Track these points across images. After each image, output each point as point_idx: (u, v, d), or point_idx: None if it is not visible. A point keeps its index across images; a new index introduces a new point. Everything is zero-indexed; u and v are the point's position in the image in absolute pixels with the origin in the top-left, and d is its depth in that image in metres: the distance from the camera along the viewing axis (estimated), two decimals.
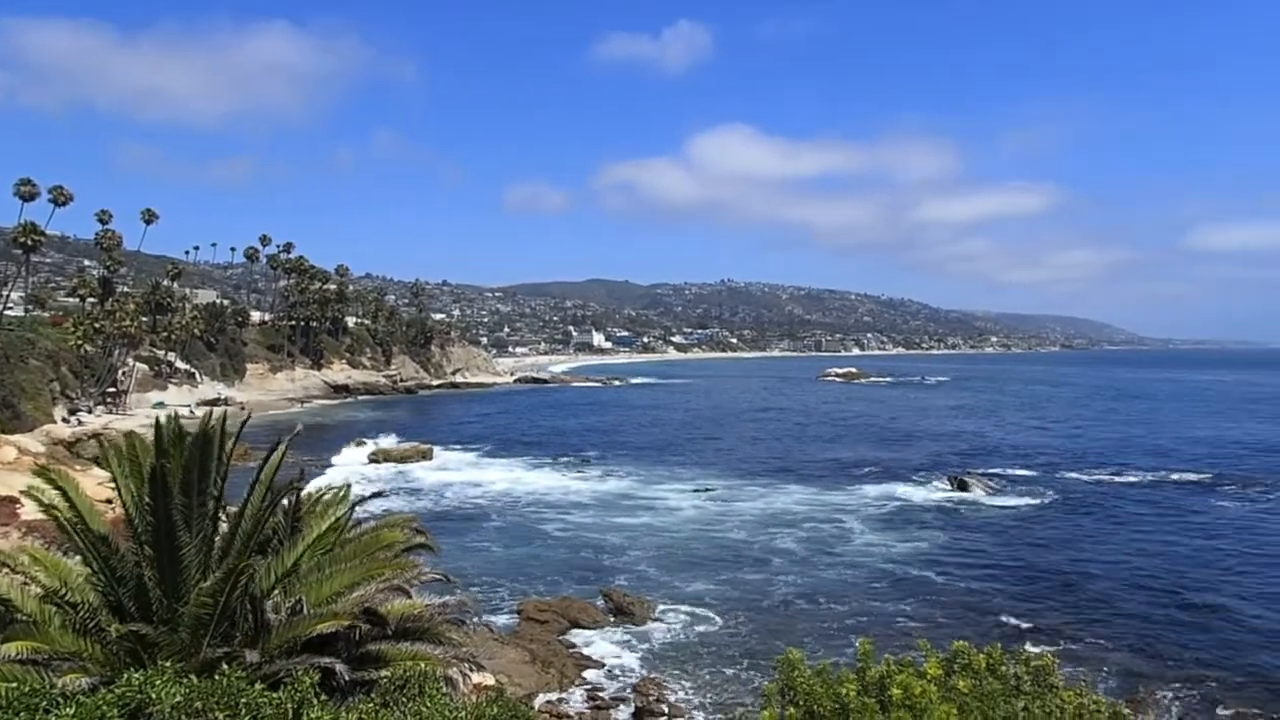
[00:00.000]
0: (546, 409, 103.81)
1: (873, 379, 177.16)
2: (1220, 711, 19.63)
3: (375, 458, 57.23)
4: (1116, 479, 51.12)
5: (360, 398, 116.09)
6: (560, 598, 26.93)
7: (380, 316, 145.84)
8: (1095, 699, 8.96)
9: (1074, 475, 52.29)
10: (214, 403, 78.99)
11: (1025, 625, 25.28)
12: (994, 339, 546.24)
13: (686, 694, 20.74)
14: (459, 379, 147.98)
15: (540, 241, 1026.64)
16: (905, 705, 7.62)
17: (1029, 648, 9.78)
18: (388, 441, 61.88)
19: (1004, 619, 25.87)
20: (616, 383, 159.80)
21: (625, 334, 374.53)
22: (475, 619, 15.23)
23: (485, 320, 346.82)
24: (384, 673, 9.03)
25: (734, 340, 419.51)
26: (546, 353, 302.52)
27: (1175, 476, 51.68)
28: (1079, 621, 25.72)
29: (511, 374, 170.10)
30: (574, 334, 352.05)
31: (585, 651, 23.49)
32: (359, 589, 10.25)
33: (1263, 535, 36.92)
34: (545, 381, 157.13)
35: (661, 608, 27.03)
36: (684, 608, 27.13)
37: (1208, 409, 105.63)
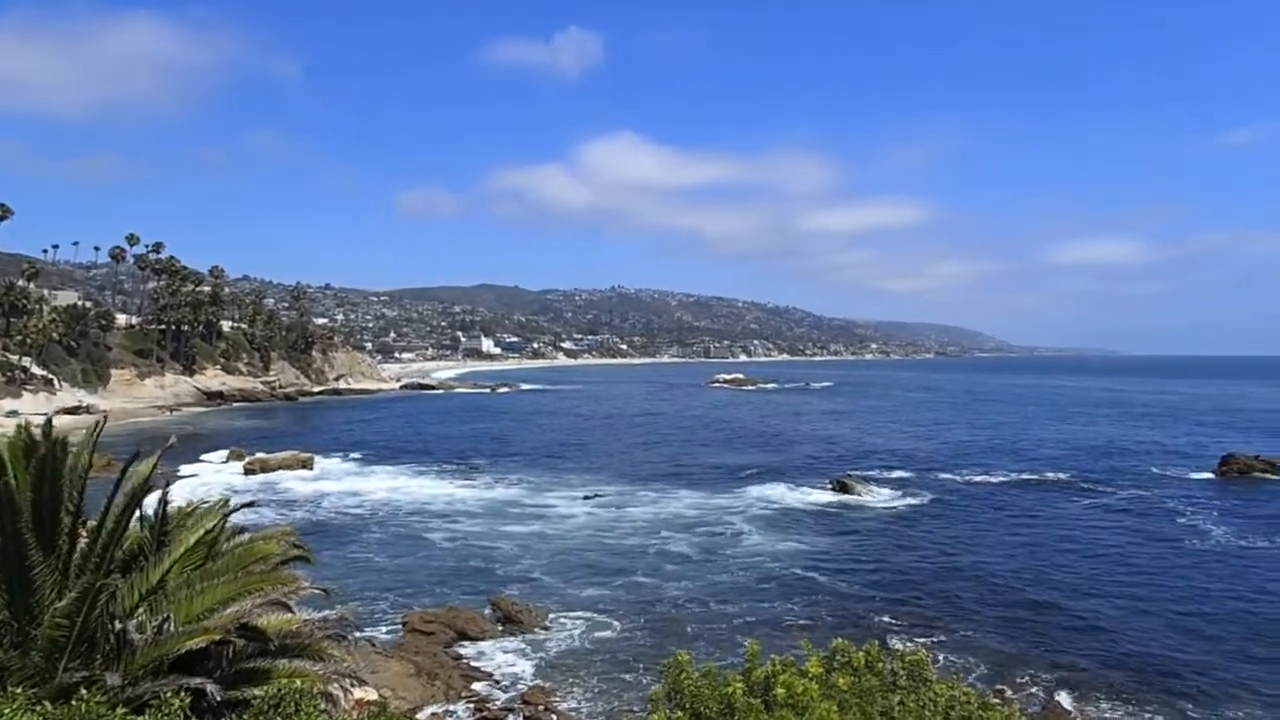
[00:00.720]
0: (433, 416, 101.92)
1: (759, 385, 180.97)
2: (1077, 694, 20.78)
3: (251, 467, 54.92)
4: (985, 479, 53.69)
5: (236, 405, 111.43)
6: (447, 608, 26.39)
7: (258, 320, 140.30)
8: (965, 690, 9.35)
9: (947, 476, 54.67)
10: (74, 411, 74.42)
11: (902, 622, 26.21)
12: (874, 345, 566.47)
13: (577, 701, 20.65)
14: (342, 385, 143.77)
15: (429, 246, 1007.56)
16: (789, 704, 7.78)
17: (905, 644, 10.13)
18: (265, 450, 59.49)
19: (883, 616, 26.77)
20: (505, 389, 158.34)
21: (515, 340, 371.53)
22: (357, 633, 14.76)
23: (370, 325, 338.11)
24: (257, 691, 8.64)
25: (624, 346, 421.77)
26: (434, 358, 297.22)
27: (1036, 477, 54.61)
28: (951, 616, 26.83)
29: (397, 380, 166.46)
30: (463, 339, 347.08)
31: (473, 662, 23.10)
32: (233, 605, 9.80)
33: (1111, 531, 39.37)
34: (432, 388, 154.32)
35: (553, 615, 26.85)
36: (577, 614, 27.02)
37: (1067, 413, 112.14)
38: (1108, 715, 19.82)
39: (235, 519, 11.49)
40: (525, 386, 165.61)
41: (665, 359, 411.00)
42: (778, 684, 7.91)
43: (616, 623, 26.26)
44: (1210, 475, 54.64)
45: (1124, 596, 29.11)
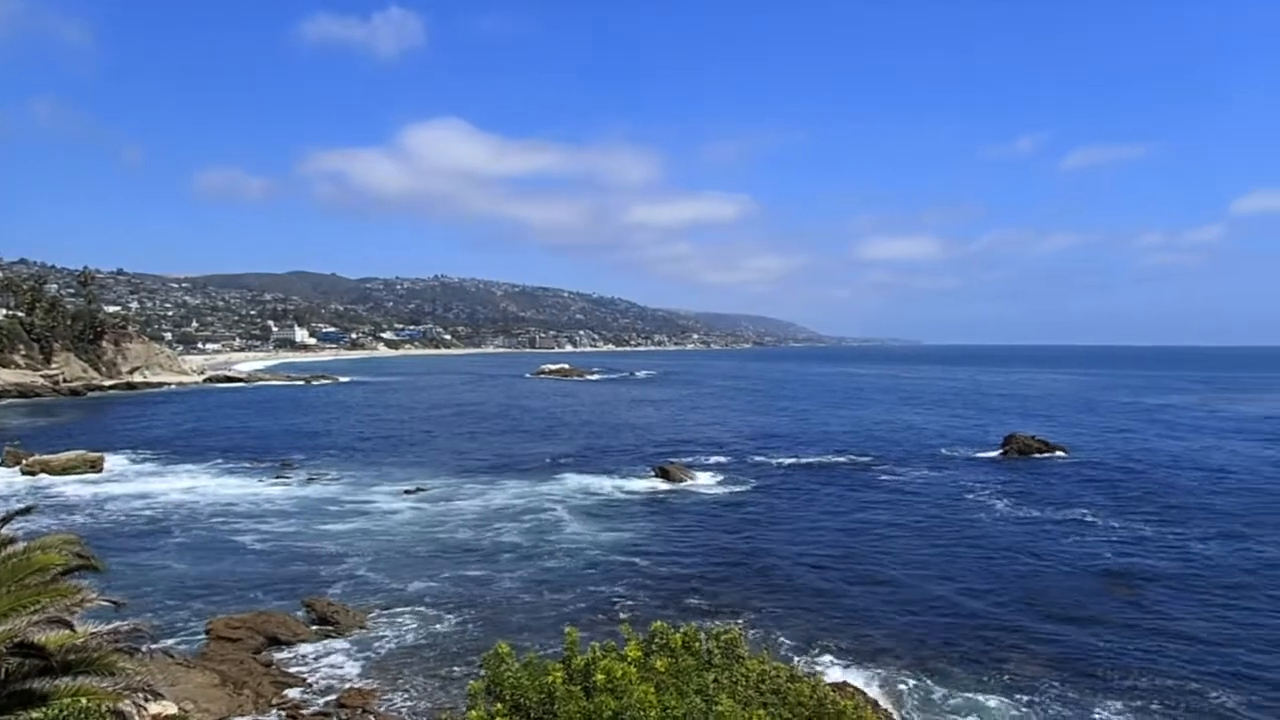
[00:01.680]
0: (240, 410, 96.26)
1: (585, 375, 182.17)
2: (879, 661, 22.27)
3: (30, 469, 50.03)
4: (797, 462, 56.49)
5: (12, 401, 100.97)
6: (255, 613, 25.04)
7: (38, 308, 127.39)
8: (776, 665, 9.83)
9: (762, 460, 57.12)
10: None
11: (719, 602, 27.19)
12: (696, 336, 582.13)
13: (399, 701, 20.13)
14: (137, 379, 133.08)
15: (236, 230, 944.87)
16: (608, 689, 7.92)
17: (720, 623, 10.50)
18: (47, 451, 54.24)
19: (701, 597, 27.67)
20: (323, 381, 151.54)
21: (332, 330, 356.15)
22: (152, 644, 13.78)
23: (170, 314, 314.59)
24: (35, 714, 7.92)
25: (448, 337, 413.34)
26: (242, 349, 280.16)
27: (843, 459, 58.00)
28: (765, 594, 28.10)
29: (201, 373, 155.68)
30: (274, 329, 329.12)
31: (286, 668, 22.05)
32: (7, 622, 8.93)
33: (909, 508, 42.35)
34: (241, 380, 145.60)
35: (376, 613, 26.04)
36: (403, 611, 26.32)
37: (870, 399, 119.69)
38: (904, 680, 21.32)
39: (10, 528, 10.45)
40: (343, 379, 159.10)
41: (491, 349, 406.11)
42: (597, 670, 8.04)
43: (446, 617, 25.81)
44: (995, 455, 59.79)
45: (920, 567, 31.42)
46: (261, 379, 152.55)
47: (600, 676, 7.93)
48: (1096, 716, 19.40)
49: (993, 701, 20.07)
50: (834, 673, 21.14)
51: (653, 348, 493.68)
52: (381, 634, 24.51)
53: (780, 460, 57.60)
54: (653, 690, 7.85)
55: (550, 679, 8.03)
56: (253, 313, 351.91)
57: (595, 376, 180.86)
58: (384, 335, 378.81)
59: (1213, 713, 19.59)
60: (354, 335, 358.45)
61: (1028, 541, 35.22)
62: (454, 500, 43.75)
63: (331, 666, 22.26)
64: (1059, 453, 59.43)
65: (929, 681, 21.17)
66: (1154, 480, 49.36)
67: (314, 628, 24.82)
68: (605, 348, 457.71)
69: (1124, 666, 22.10)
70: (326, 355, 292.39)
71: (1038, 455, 58.80)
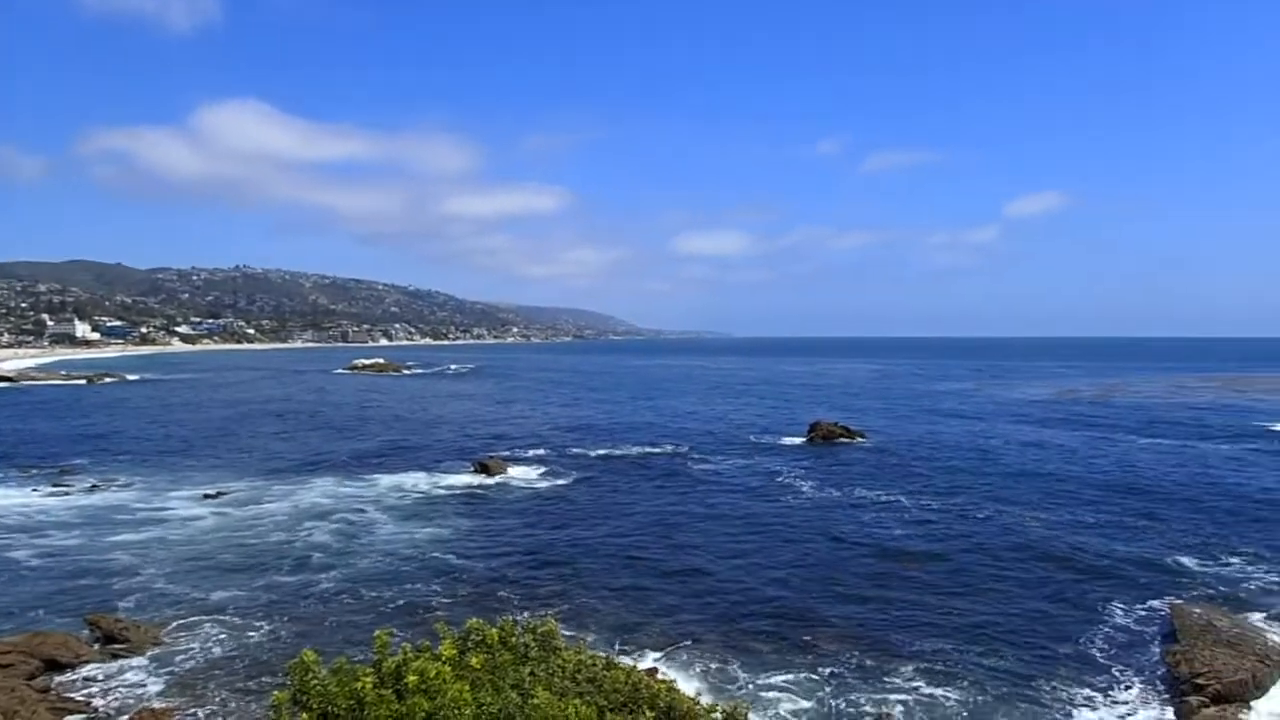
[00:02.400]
0: (6, 412, 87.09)
1: (401, 369, 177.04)
2: (694, 645, 23.04)
3: None
4: (615, 454, 57.36)
5: None
6: (31, 634, 22.77)
7: None
8: (592, 654, 10.01)
9: (582, 452, 57.61)
10: None
11: (538, 595, 27.25)
12: (516, 329, 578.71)
13: (201, 718, 18.91)
14: None
15: (6, 214, 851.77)
16: (421, 690, 7.80)
17: (537, 616, 10.55)
18: None
19: (520, 592, 27.64)
20: (108, 379, 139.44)
21: (119, 324, 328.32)
22: None
23: None
24: None
25: (251, 331, 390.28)
26: (11, 346, 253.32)
27: (659, 450, 59.40)
28: (583, 586, 28.40)
29: None
30: (50, 323, 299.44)
31: (67, 693, 20.19)
32: None
33: (722, 494, 44.00)
34: (8, 380, 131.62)
35: (174, 627, 24.27)
36: (204, 623, 24.64)
37: (685, 390, 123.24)
38: (713, 662, 22.18)
39: None
40: (132, 377, 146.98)
41: (299, 344, 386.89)
42: (409, 672, 7.90)
43: (255, 626, 24.42)
44: (800, 441, 63.02)
45: (730, 552, 32.71)
46: (34, 378, 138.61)
47: (413, 678, 7.80)
48: (890, 682, 20.90)
49: (796, 677, 21.22)
50: (649, 658, 21.69)
51: (472, 341, 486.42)
52: (182, 649, 22.90)
53: (598, 452, 58.28)
54: (468, 688, 7.81)
55: (359, 684, 7.81)
56: (24, 305, 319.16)
57: (412, 371, 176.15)
58: (179, 330, 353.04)
59: (990, 670, 21.56)
60: (144, 330, 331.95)
61: (829, 523, 37.38)
62: (260, 503, 41.45)
63: (124, 688, 20.59)
64: (859, 438, 63.38)
65: (737, 663, 22.10)
66: (940, 461, 53.62)
67: (100, 647, 22.87)
68: (423, 341, 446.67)
69: (914, 634, 23.93)
70: (113, 351, 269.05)
71: (841, 441, 62.45)
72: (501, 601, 26.24)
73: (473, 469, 49.87)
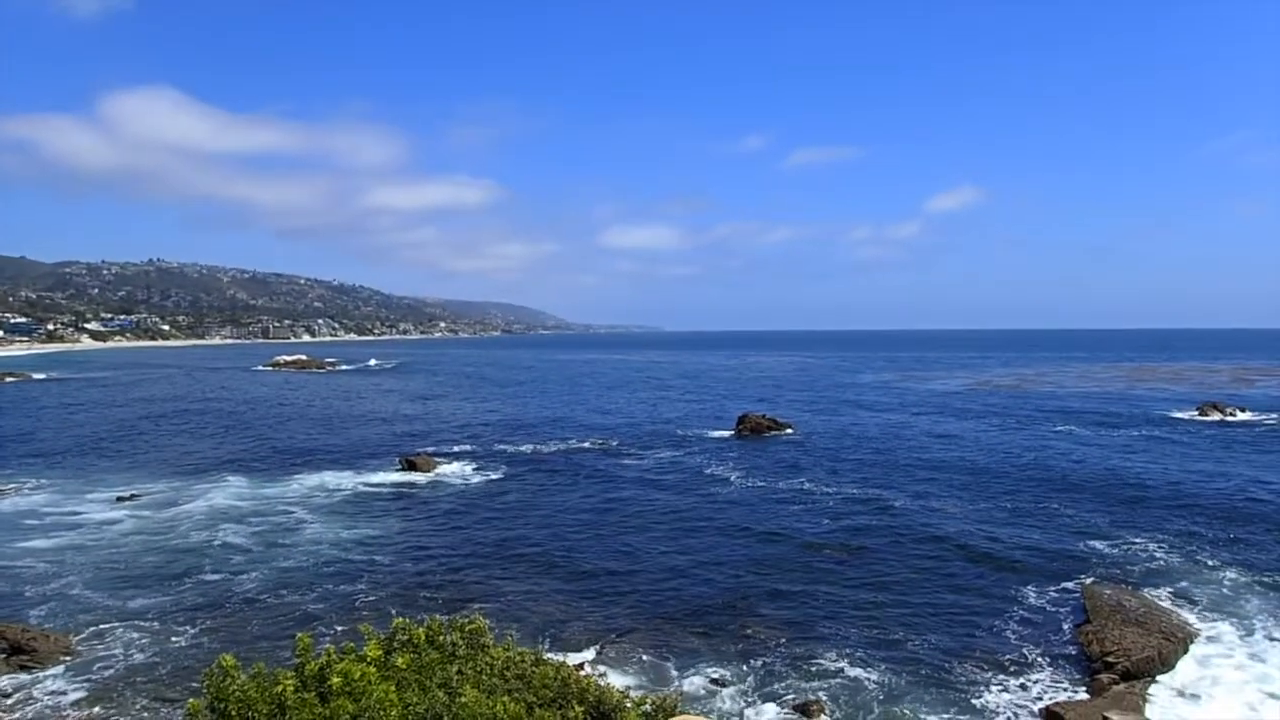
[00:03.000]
0: None
1: (325, 366, 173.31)
2: (624, 638, 23.14)
3: None
4: (545, 449, 57.16)
5: None
6: None
7: None
8: (521, 651, 9.97)
9: (512, 449, 57.24)
10: None
11: (469, 592, 27.03)
12: (443, 324, 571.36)
13: None
14: None
15: None
16: (346, 692, 7.68)
17: (466, 614, 10.47)
18: None
19: (450, 590, 27.36)
20: (11, 379, 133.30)
21: (22, 320, 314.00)
22: None
23: None
24: None
25: (166, 327, 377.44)
26: None
27: (589, 445, 59.37)
28: (514, 581, 28.27)
29: None
30: None
31: None
32: None
33: (652, 487, 44.20)
34: None
35: (89, 635, 23.34)
36: (122, 630, 23.73)
37: (616, 384, 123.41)
38: (645, 655, 22.31)
39: None
40: (38, 375, 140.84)
41: (217, 340, 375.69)
42: (333, 674, 7.76)
43: (176, 631, 23.64)
44: (729, 434, 63.69)
45: (661, 545, 32.90)
46: None
47: (336, 680, 7.67)
48: (817, 669, 21.31)
49: (726, 669, 21.48)
50: (579, 654, 21.71)
51: (398, 336, 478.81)
52: (99, 657, 22.06)
53: (527, 447, 57.98)
54: (393, 689, 7.72)
55: (280, 688, 7.65)
56: None
57: (336, 367, 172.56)
58: (89, 326, 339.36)
59: (910, 654, 22.15)
60: (51, 327, 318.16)
61: (757, 515, 37.87)
62: (178, 505, 40.14)
63: (37, 700, 19.76)
64: (787, 431, 64.37)
65: (668, 656, 22.27)
66: (863, 453, 54.78)
67: (5, 659, 21.88)
68: (347, 337, 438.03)
69: (839, 622, 24.44)
70: (16, 349, 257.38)
71: (768, 434, 63.31)
72: (430, 601, 25.94)
73: (400, 466, 49.14)
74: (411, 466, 48.51)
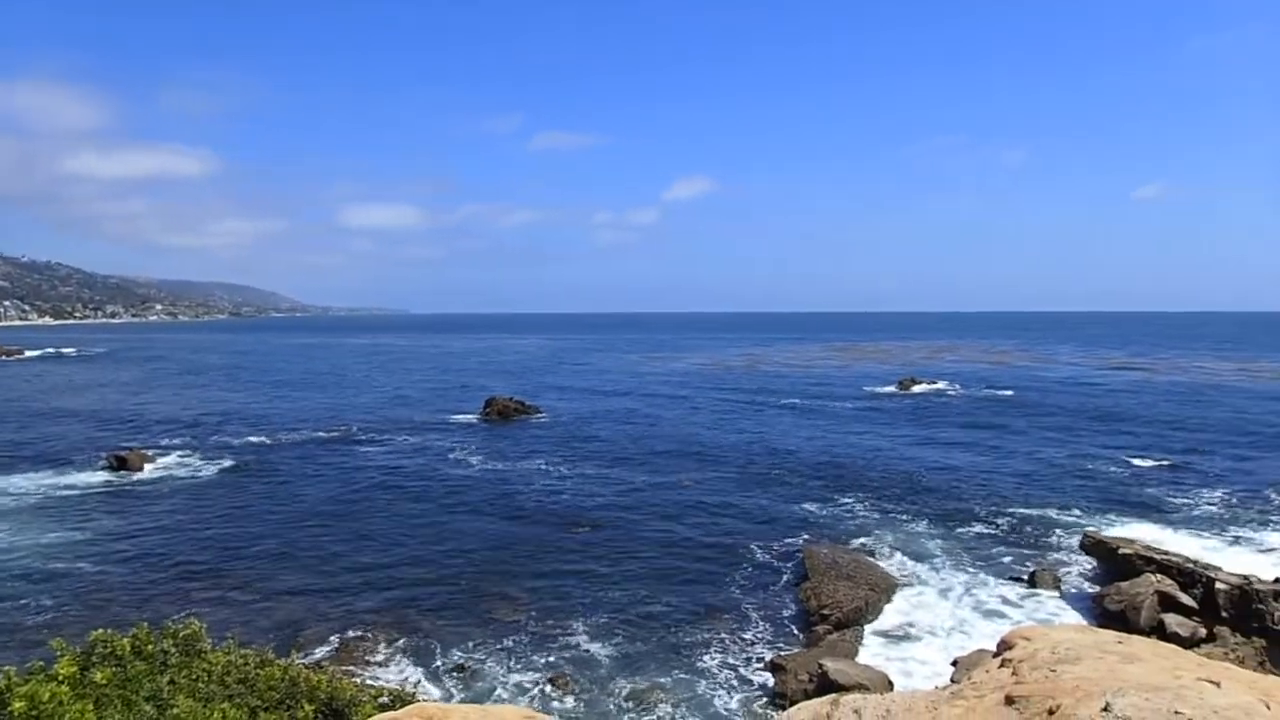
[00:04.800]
0: None
1: (13, 354, 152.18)
2: (373, 629, 22.41)
3: None
4: (275, 440, 53.73)
5: None
6: None
7: None
8: (244, 653, 9.36)
9: (238, 439, 53.29)
10: None
11: (192, 599, 25.02)
12: (159, 307, 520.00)
13: None
14: None
15: None
16: (32, 717, 6.87)
17: (181, 619, 9.67)
18: None
19: (167, 595, 25.21)
20: None
21: None
22: None
23: None
24: None
25: None
26: None
27: (324, 434, 56.49)
28: (243, 581, 26.49)
29: None
30: None
31: None
32: None
33: (393, 475, 42.95)
34: None
35: None
36: None
37: (356, 368, 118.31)
38: (395, 646, 21.77)
39: None
40: None
41: None
42: (14, 698, 6.91)
43: None
44: (475, 418, 63.12)
45: (405, 533, 32.17)
46: None
47: (19, 705, 6.83)
48: (564, 641, 21.81)
49: (474, 652, 21.45)
50: (319, 651, 20.80)
51: (106, 320, 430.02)
52: None
53: (258, 438, 54.27)
54: (90, 707, 7.00)
55: None
56: None
57: (25, 356, 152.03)
58: None
59: (648, 620, 23.23)
60: None
61: (504, 497, 37.97)
62: None
63: None
64: (537, 414, 64.77)
65: (415, 644, 21.88)
66: (608, 433, 56.40)
67: None
68: (41, 321, 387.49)
69: (583, 596, 25.15)
70: None
71: (517, 416, 63.41)
72: (146, 609, 23.66)
73: (109, 464, 44.32)
74: (123, 464, 43.91)
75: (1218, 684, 5.28)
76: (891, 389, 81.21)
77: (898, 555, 28.94)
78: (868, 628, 23.12)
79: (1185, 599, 22.91)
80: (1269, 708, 4.89)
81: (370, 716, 8.45)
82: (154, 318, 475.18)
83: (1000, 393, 77.67)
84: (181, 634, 8.86)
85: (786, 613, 24.25)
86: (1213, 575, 23.32)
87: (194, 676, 8.37)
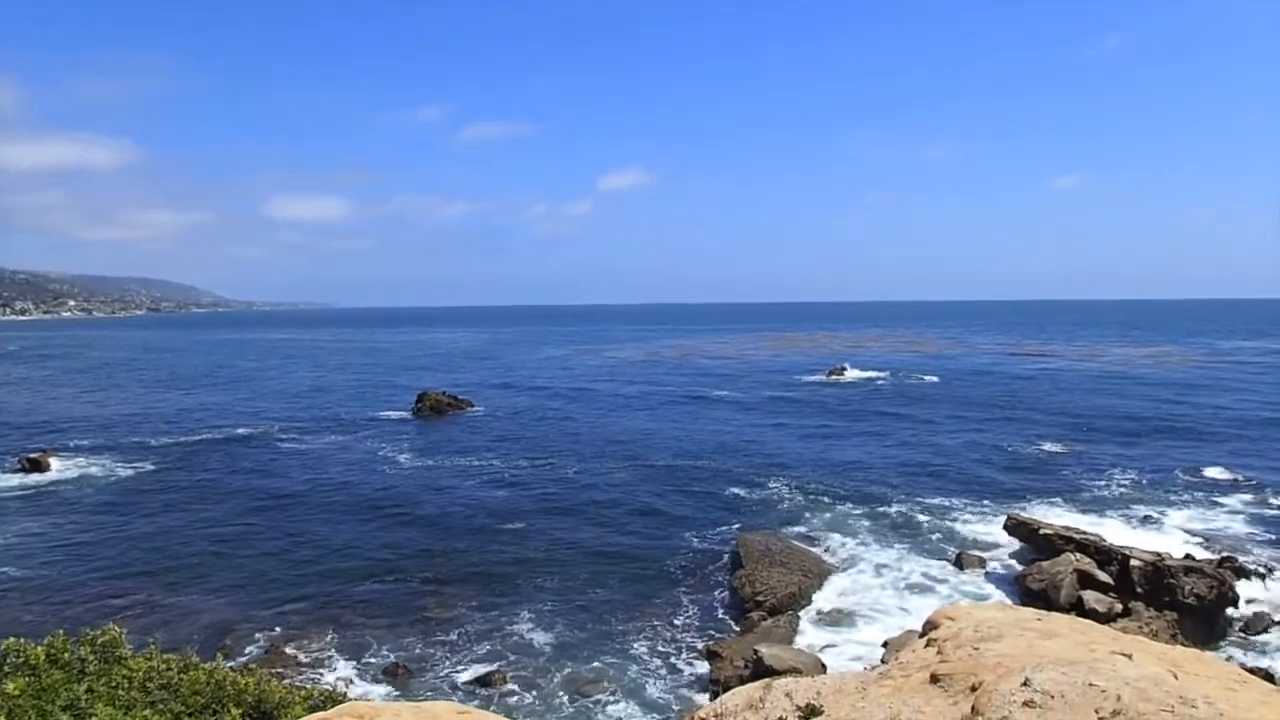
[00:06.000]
0: None
1: None
2: (307, 629, 21.97)
3: None
4: (196, 438, 52.21)
5: None
6: None
7: None
8: (167, 657, 9.10)
9: (154, 440, 51.58)
10: None
11: (112, 606, 24.16)
12: (73, 303, 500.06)
13: None
14: None
15: None
16: None
17: (99, 626, 9.35)
18: None
19: (87, 604, 24.32)
20: None
21: None
22: None
23: None
24: None
25: None
26: None
27: (251, 430, 55.13)
28: (165, 584, 25.73)
29: None
30: None
31: None
32: None
33: (322, 473, 42.11)
34: None
35: None
36: None
37: (276, 365, 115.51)
38: (325, 646, 21.39)
39: None
40: None
41: None
42: None
43: None
44: (407, 414, 62.19)
45: (337, 530, 31.63)
46: None
47: None
48: (500, 637, 21.73)
49: (408, 650, 21.20)
50: (247, 653, 20.32)
51: (14, 317, 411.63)
52: None
53: (177, 438, 52.60)
54: (2, 719, 6.73)
55: None
56: None
57: None
58: None
59: (585, 610, 23.25)
60: None
61: (438, 493, 37.57)
62: None
63: None
64: (470, 408, 64.09)
65: (347, 644, 21.55)
66: (541, 426, 56.21)
67: None
68: None
69: (520, 589, 25.06)
70: None
71: (450, 411, 62.66)
72: (64, 616, 22.80)
73: (21, 467, 42.51)
74: (34, 466, 42.21)
75: (1130, 656, 5.52)
76: (820, 377, 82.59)
77: (830, 541, 29.47)
78: (802, 613, 23.51)
79: (1102, 576, 23.84)
80: (1176, 677, 5.13)
81: (300, 717, 8.30)
82: (67, 314, 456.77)
83: (925, 379, 79.73)
84: (100, 640, 8.57)
85: (722, 600, 24.52)
86: (1127, 553, 24.32)
87: (113, 684, 8.11)
